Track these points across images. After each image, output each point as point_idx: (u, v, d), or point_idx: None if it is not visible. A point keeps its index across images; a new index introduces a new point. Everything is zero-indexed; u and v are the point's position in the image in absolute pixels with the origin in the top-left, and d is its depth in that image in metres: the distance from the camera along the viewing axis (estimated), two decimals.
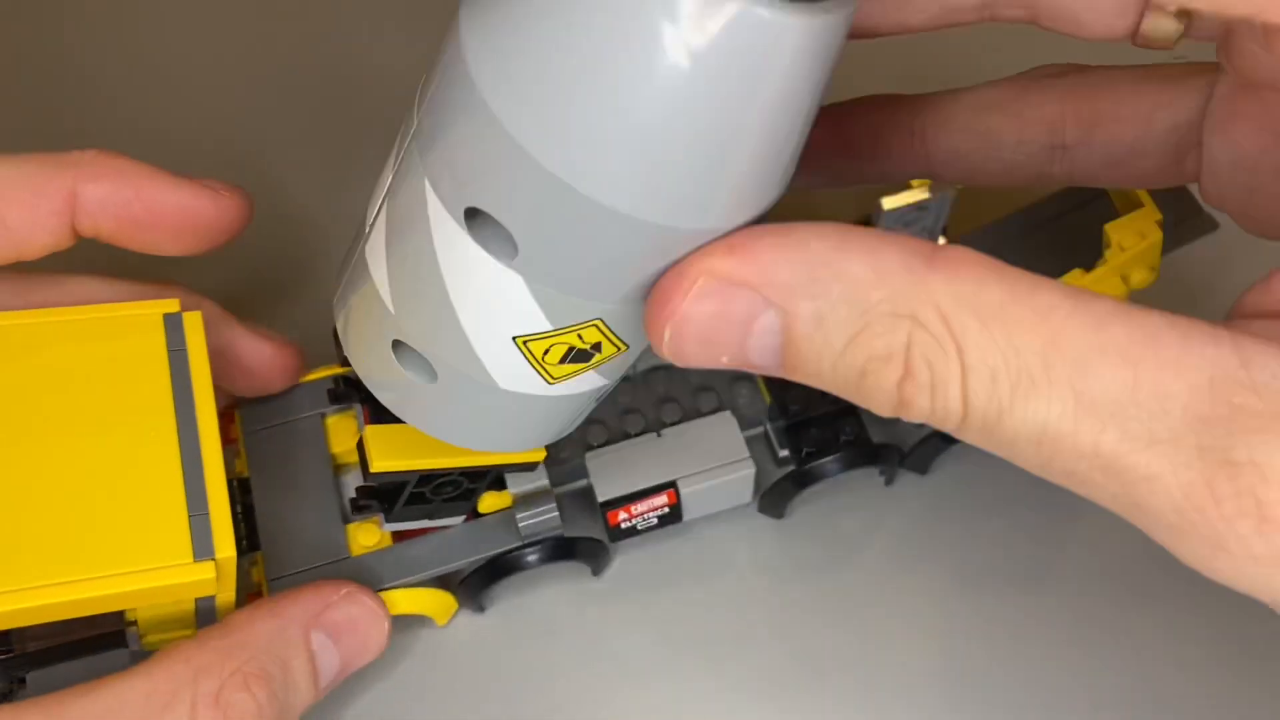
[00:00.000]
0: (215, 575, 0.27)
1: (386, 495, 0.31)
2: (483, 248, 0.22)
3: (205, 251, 0.30)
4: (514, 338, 0.23)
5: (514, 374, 0.24)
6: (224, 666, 0.26)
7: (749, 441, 0.33)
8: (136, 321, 0.30)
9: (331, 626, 0.28)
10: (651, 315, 0.20)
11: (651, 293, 0.20)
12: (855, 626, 0.33)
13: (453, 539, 0.32)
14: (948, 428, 0.19)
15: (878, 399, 0.19)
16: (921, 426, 0.35)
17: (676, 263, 0.20)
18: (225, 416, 0.34)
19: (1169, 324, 0.18)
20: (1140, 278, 0.31)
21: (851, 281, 0.18)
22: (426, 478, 0.30)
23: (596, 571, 0.34)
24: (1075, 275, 0.31)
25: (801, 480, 0.34)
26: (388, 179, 0.24)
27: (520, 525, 0.32)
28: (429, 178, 0.22)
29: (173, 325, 0.30)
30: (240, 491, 0.32)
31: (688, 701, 0.32)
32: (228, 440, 0.33)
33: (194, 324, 0.30)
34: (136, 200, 0.29)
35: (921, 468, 0.35)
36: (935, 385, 0.18)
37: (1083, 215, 0.34)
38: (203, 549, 0.27)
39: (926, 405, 0.19)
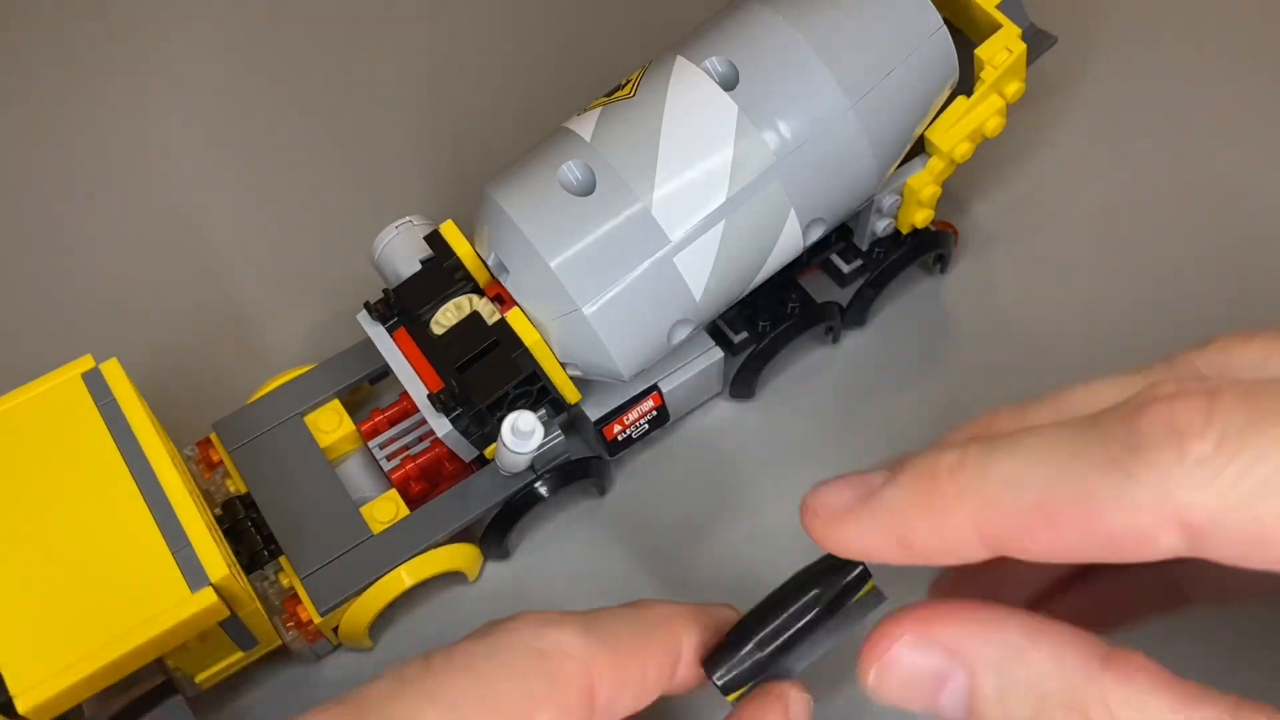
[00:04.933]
0: (217, 598, 0.27)
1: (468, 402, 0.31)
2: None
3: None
4: None
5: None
6: None
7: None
8: (58, 391, 0.30)
9: None
10: (864, 652, 0.23)
11: (869, 634, 0.23)
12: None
13: (468, 490, 0.33)
14: None
15: None
16: (854, 283, 0.38)
17: (893, 614, 0.23)
18: (203, 441, 0.34)
19: None
20: (1014, 89, 0.34)
21: (1034, 669, 0.21)
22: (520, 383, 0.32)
23: (603, 490, 0.35)
24: (960, 103, 0.34)
25: (765, 354, 0.36)
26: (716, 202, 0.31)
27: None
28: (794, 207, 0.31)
29: (94, 382, 0.30)
30: (243, 507, 0.32)
31: None
32: (211, 464, 0.33)
33: (114, 372, 0.30)
34: None
35: (860, 320, 0.38)
36: None
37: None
38: (196, 579, 0.27)
39: None
